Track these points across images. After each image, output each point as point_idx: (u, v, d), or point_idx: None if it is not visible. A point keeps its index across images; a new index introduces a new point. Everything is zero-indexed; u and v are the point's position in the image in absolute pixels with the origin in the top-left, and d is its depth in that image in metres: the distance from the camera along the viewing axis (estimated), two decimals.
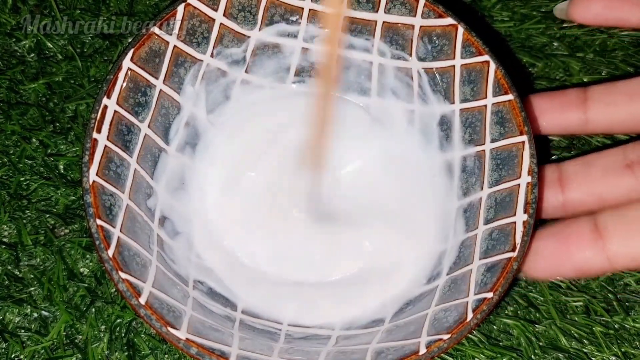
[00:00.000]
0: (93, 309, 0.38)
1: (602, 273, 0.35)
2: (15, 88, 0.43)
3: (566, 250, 0.35)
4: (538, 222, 0.39)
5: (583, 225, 0.35)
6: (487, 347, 0.38)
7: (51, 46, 0.44)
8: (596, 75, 0.45)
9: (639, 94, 0.38)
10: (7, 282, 0.38)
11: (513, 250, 0.32)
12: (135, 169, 0.35)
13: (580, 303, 0.39)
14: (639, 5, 0.39)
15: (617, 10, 0.40)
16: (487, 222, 0.35)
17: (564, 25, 0.46)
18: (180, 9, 0.36)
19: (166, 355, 0.37)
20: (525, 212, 0.33)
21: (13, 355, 0.37)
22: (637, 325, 0.38)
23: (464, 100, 0.37)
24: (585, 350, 0.38)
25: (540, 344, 0.38)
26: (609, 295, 0.39)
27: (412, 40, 0.38)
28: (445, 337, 0.31)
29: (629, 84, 0.38)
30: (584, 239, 0.35)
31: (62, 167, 0.41)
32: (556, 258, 0.35)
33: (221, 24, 0.38)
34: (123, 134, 0.35)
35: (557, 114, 0.39)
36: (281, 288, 0.37)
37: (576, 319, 0.38)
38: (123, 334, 0.37)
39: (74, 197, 0.40)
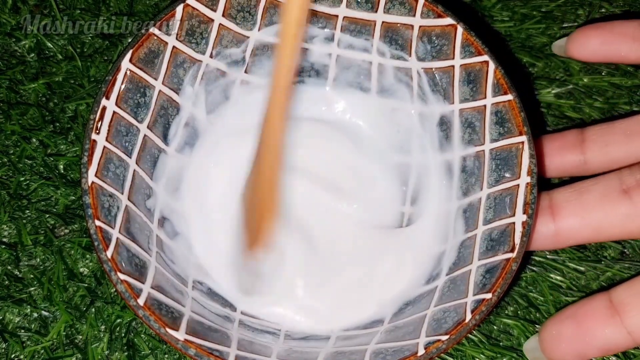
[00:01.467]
0: (93, 309, 0.38)
1: (626, 348, 0.34)
2: (15, 88, 0.43)
3: (586, 331, 0.34)
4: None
5: (598, 303, 0.34)
6: (487, 347, 0.38)
7: (51, 46, 0.44)
8: (596, 75, 0.45)
9: (636, 133, 0.37)
10: (7, 282, 0.38)
11: (512, 250, 0.32)
12: (134, 170, 0.35)
13: None
14: (636, 40, 0.39)
15: (615, 46, 0.40)
16: (486, 222, 0.35)
17: (564, 25, 0.46)
18: (179, 9, 0.36)
19: (166, 356, 0.37)
20: (524, 212, 0.33)
21: (13, 356, 0.37)
22: (610, 355, 0.38)
23: (464, 100, 0.37)
24: None
25: None
26: None
27: (411, 40, 0.38)
28: (444, 338, 0.31)
29: (626, 123, 0.38)
30: (601, 317, 0.34)
31: (62, 167, 0.41)
32: (578, 340, 0.34)
33: (220, 24, 0.38)
34: (122, 135, 0.35)
35: (556, 157, 0.39)
36: (280, 289, 0.36)
37: None
38: (123, 334, 0.37)
39: (73, 197, 0.40)
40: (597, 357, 0.34)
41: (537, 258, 0.40)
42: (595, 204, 0.35)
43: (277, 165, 0.29)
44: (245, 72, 0.39)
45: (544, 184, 0.40)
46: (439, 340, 0.31)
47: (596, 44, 0.40)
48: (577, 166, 0.38)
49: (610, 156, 0.38)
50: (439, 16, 0.37)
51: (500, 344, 0.38)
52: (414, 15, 0.37)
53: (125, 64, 0.35)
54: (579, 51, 0.40)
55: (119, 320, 0.38)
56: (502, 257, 0.32)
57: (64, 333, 0.37)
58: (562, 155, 0.38)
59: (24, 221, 0.40)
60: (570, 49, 0.41)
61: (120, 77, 0.35)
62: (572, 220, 0.36)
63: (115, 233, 0.32)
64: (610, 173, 0.36)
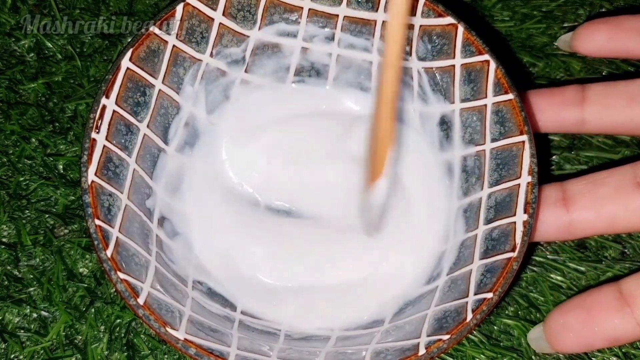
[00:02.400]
0: (92, 309, 0.38)
1: (634, 339, 0.34)
2: (14, 88, 0.43)
3: (594, 320, 0.33)
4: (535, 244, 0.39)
5: (607, 294, 0.34)
6: (487, 347, 0.38)
7: (51, 46, 0.44)
8: (597, 75, 0.45)
9: (638, 98, 0.37)
10: (6, 283, 0.38)
11: (513, 250, 0.32)
12: (134, 169, 0.35)
13: None
14: None
15: (622, 41, 0.39)
16: (487, 222, 0.35)
17: (565, 25, 0.46)
18: (179, 8, 0.36)
19: (166, 356, 0.37)
20: (525, 212, 0.33)
21: (12, 356, 0.37)
22: (617, 346, 0.38)
23: (464, 99, 0.37)
24: None
25: None
26: None
27: (412, 40, 0.38)
28: (445, 337, 0.30)
29: (629, 85, 0.37)
30: (611, 308, 0.33)
31: (61, 167, 0.41)
32: (585, 330, 0.33)
33: (220, 23, 0.38)
34: (122, 134, 0.35)
35: (554, 112, 0.38)
36: (280, 290, 0.36)
37: None
38: (123, 335, 0.37)
39: (73, 197, 0.40)
40: (603, 347, 0.34)
41: (537, 258, 0.40)
42: (610, 197, 0.35)
43: (391, 110, 0.31)
44: (246, 71, 0.39)
45: (542, 142, 0.39)
46: (439, 340, 0.30)
47: (603, 40, 0.39)
48: (574, 124, 0.38)
49: (609, 119, 0.37)
50: (440, 15, 0.37)
51: (501, 344, 0.38)
52: (415, 15, 0.37)
53: (126, 63, 0.35)
54: (585, 46, 0.40)
55: (118, 321, 0.37)
56: (503, 256, 0.32)
57: (64, 333, 0.37)
58: (560, 110, 0.38)
59: (24, 221, 0.40)
60: (575, 44, 0.40)
61: (120, 76, 0.35)
62: (586, 213, 0.35)
63: (115, 232, 0.32)
64: (625, 165, 0.36)
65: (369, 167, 0.34)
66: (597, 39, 0.39)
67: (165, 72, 0.37)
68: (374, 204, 0.35)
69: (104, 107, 0.34)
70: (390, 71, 0.30)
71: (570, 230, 0.36)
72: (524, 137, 0.34)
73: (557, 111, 0.38)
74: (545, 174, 0.42)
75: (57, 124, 0.42)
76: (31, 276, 0.38)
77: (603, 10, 0.47)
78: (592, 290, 0.35)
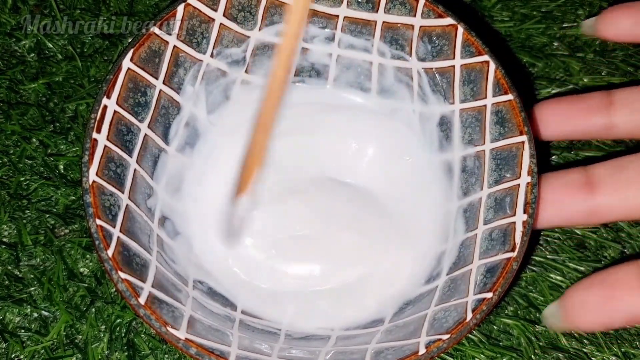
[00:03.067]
0: (93, 309, 0.38)
1: None
2: (15, 88, 0.43)
3: (615, 298, 0.33)
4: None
5: (630, 270, 0.33)
6: (487, 347, 0.38)
7: (51, 46, 0.44)
8: (596, 75, 0.45)
9: None
10: (7, 282, 0.38)
11: (512, 250, 0.32)
12: (135, 169, 0.35)
13: None
14: None
15: None
16: (486, 222, 0.35)
17: (564, 25, 0.46)
18: (180, 9, 0.36)
19: (166, 356, 0.37)
20: (525, 212, 0.33)
21: (13, 355, 0.37)
22: (637, 325, 0.38)
23: (464, 100, 0.37)
24: (585, 350, 0.38)
25: (540, 344, 0.38)
26: None
27: (411, 40, 0.38)
28: (445, 337, 0.31)
29: None
30: (633, 286, 0.33)
31: (62, 167, 0.41)
32: (605, 308, 0.33)
33: (221, 24, 0.38)
34: (123, 134, 0.35)
35: (581, 119, 0.38)
36: (280, 291, 0.36)
37: None
38: (123, 334, 0.37)
39: (74, 197, 0.40)
40: (622, 326, 0.33)
41: (537, 258, 0.40)
42: (635, 182, 0.35)
43: (267, 135, 0.32)
44: (246, 72, 0.40)
45: (541, 143, 0.39)
46: (439, 340, 0.31)
47: (628, 24, 0.38)
48: (602, 129, 0.38)
49: (638, 123, 0.37)
50: (440, 16, 0.37)
51: (500, 343, 0.38)
52: (415, 16, 0.37)
53: (127, 63, 0.35)
54: (610, 31, 0.39)
55: (119, 320, 0.38)
56: (502, 256, 0.32)
57: (64, 333, 0.37)
58: (588, 118, 0.38)
59: (24, 221, 0.40)
60: (600, 28, 0.40)
61: (121, 76, 0.35)
62: (611, 198, 0.35)
63: (116, 232, 0.32)
64: None
65: (238, 181, 0.33)
66: (623, 24, 0.39)
67: (166, 73, 0.37)
68: (235, 215, 0.35)
69: (105, 107, 0.34)
70: (272, 99, 0.30)
71: (594, 215, 0.35)
72: (524, 138, 0.34)
73: (584, 117, 0.38)
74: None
75: (57, 124, 0.42)
76: (32, 276, 0.38)
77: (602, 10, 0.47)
78: (612, 268, 0.34)
